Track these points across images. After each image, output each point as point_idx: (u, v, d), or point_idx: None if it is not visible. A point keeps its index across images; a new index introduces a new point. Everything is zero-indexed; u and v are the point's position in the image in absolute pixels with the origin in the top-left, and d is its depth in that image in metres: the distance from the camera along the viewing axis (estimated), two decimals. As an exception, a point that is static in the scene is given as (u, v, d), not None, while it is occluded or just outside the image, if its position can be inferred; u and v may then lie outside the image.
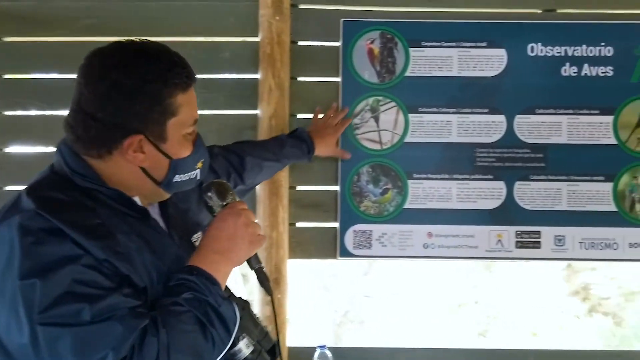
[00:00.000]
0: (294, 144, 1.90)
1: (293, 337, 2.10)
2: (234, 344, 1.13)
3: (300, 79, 2.12)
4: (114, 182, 1.13)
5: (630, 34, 2.09)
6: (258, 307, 1.99)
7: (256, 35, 2.06)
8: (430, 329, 6.57)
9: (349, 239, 2.08)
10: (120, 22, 2.10)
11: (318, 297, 6.98)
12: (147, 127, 1.10)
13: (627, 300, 7.57)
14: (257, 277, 1.24)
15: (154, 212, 1.25)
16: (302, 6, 2.12)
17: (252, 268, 1.23)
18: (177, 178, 1.17)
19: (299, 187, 2.12)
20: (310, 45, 2.14)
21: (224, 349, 1.09)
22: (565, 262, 7.94)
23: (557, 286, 7.75)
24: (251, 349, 1.15)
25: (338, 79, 2.11)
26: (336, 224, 2.10)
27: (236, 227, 1.16)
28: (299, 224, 2.11)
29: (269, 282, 1.26)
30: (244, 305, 1.20)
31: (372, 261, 7.38)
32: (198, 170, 1.22)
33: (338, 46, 2.11)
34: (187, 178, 1.20)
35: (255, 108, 2.07)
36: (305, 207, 2.10)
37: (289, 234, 2.06)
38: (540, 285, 7.63)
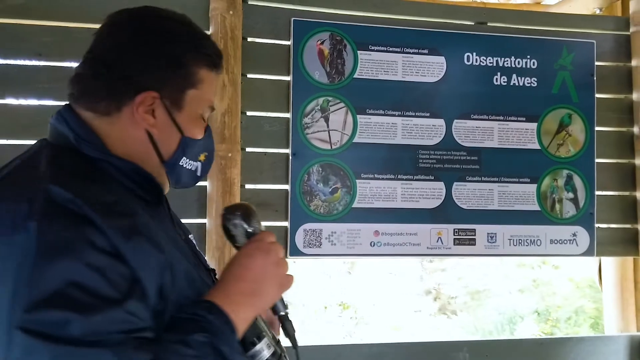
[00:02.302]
0: None
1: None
2: (253, 343, 0.97)
3: (250, 76, 2.09)
4: (119, 153, 0.96)
5: (551, 49, 2.31)
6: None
7: (207, 30, 2.00)
8: (298, 333, 6.67)
9: (300, 238, 2.08)
10: (53, 4, 1.93)
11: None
12: (164, 88, 0.96)
13: (473, 299, 8.24)
14: (282, 326, 1.06)
15: None
16: (252, 2, 2.09)
17: (276, 314, 1.05)
18: (183, 161, 1.02)
19: (249, 186, 2.08)
20: (260, 42, 2.11)
21: None
22: (419, 264, 8.52)
23: (413, 286, 8.25)
24: (272, 350, 0.99)
25: (288, 78, 2.10)
26: (286, 223, 2.08)
27: (265, 267, 0.97)
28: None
29: (294, 333, 1.06)
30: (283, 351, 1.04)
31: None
32: (199, 164, 1.06)
33: (288, 45, 2.11)
34: (190, 168, 1.04)
35: (208, 104, 2.00)
36: (256, 206, 2.05)
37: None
38: (397, 285, 8.08)
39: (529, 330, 7.27)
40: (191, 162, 1.04)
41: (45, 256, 0.77)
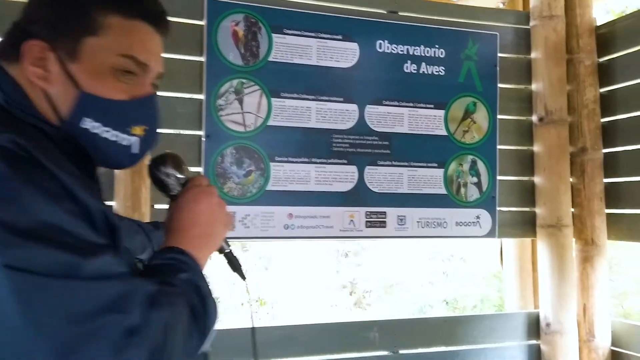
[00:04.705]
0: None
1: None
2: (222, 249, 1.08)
3: (162, 55, 2.03)
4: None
5: (458, 40, 2.42)
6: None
7: (116, 5, 1.93)
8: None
9: (213, 220, 2.06)
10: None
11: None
12: (57, 36, 0.88)
13: (387, 292, 8.51)
14: (229, 262, 1.10)
15: None
16: (164, -20, 2.04)
17: (221, 252, 1.10)
18: (89, 125, 0.89)
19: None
20: (172, 21, 2.05)
21: (193, 352, 0.86)
22: (335, 259, 8.70)
23: (329, 281, 8.42)
24: None
25: (202, 59, 2.07)
26: (199, 206, 2.05)
27: (212, 209, 1.01)
28: (160, 206, 2.02)
29: (241, 266, 1.11)
30: None
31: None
32: (134, 139, 0.94)
33: (202, 25, 2.08)
34: (112, 138, 0.92)
35: (113, 82, 1.94)
36: (168, 188, 2.01)
37: (151, 216, 1.96)
38: (314, 281, 8.21)
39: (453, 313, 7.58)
40: (111, 130, 0.92)
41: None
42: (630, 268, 6.68)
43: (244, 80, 2.12)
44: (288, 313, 7.58)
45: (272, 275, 8.17)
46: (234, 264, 1.10)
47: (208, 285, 0.92)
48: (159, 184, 1.06)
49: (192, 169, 2.06)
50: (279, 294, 7.86)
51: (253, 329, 1.16)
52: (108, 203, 1.93)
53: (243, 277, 1.12)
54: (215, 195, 1.03)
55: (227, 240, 1.09)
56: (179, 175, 1.04)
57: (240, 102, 2.11)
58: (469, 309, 7.92)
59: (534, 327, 2.50)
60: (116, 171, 1.92)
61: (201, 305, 0.87)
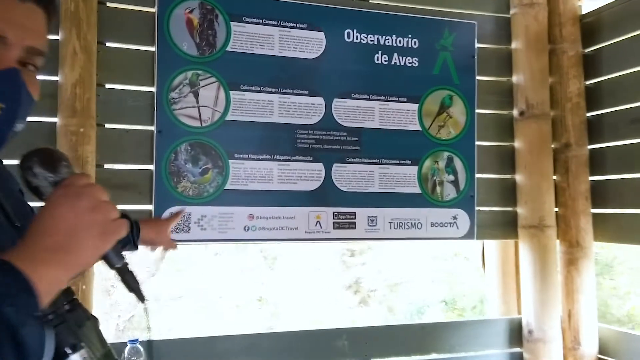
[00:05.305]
0: None
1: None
2: (65, 354, 0.80)
3: (109, 44, 1.90)
4: None
5: (433, 29, 2.27)
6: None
7: (57, -10, 1.80)
8: (217, 330, 6.55)
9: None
10: None
11: (100, 300, 6.51)
12: None
13: (392, 291, 8.40)
14: (122, 279, 0.88)
15: None
16: (111, -37, 1.90)
17: (111, 267, 0.87)
18: None
19: (108, 166, 1.89)
20: (121, 8, 1.92)
21: None
22: (340, 259, 8.60)
23: (333, 281, 8.33)
24: None
25: (153, 49, 1.93)
26: (151, 206, 1.92)
27: (76, 215, 0.77)
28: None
29: (139, 285, 0.89)
30: (90, 317, 0.89)
31: (159, 264, 7.18)
32: None
33: (153, 12, 1.94)
34: None
35: (55, 74, 1.80)
36: (116, 187, 1.88)
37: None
38: (318, 280, 8.13)
39: (436, 318, 7.48)
40: None
41: None
42: (634, 268, 6.52)
43: (199, 72, 1.97)
44: (292, 313, 7.49)
45: (277, 275, 8.06)
46: (129, 283, 0.88)
47: (29, 309, 0.69)
48: (30, 187, 0.85)
49: (143, 167, 1.93)
50: (283, 294, 7.78)
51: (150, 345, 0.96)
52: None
53: (142, 299, 0.91)
54: (89, 197, 0.79)
55: (120, 252, 0.86)
56: (49, 175, 0.82)
57: (196, 95, 1.97)
58: (468, 310, 7.81)
59: (516, 334, 2.36)
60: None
61: (7, 333, 0.67)
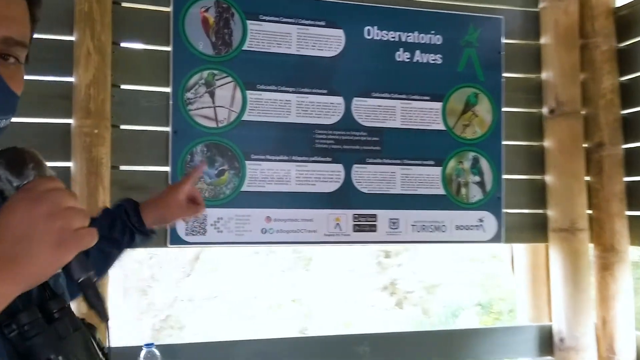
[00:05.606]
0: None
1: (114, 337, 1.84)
2: None
3: (124, 45, 1.88)
4: None
5: (458, 25, 2.19)
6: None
7: (70, -8, 1.79)
8: (252, 331, 6.55)
9: (181, 224, 1.88)
10: None
11: (136, 300, 6.58)
12: None
13: (429, 292, 8.28)
14: (83, 294, 0.78)
15: None
16: (126, -37, 1.89)
17: (73, 280, 0.77)
18: None
19: (124, 167, 1.87)
20: (136, 8, 1.90)
21: None
22: (376, 260, 8.52)
23: (368, 282, 8.25)
24: None
25: (168, 49, 1.91)
26: (166, 209, 1.88)
27: (30, 222, 0.68)
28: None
29: (102, 302, 0.78)
30: (79, 327, 0.80)
31: (194, 264, 7.23)
32: None
33: (169, 11, 1.91)
34: None
35: (69, 75, 1.79)
36: (131, 189, 1.85)
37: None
38: (353, 282, 8.06)
39: (467, 323, 7.34)
40: None
41: None
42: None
43: (215, 72, 1.94)
44: (326, 314, 7.45)
45: (312, 276, 8.03)
46: (89, 299, 0.77)
47: None
48: None
49: (159, 168, 1.90)
50: (318, 295, 7.75)
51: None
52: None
53: (104, 318, 0.80)
54: (49, 203, 0.70)
55: (85, 264, 0.77)
56: (13, 179, 0.74)
57: (212, 95, 1.94)
58: (505, 314, 7.64)
59: (547, 341, 2.25)
60: (72, 171, 1.76)
61: None
